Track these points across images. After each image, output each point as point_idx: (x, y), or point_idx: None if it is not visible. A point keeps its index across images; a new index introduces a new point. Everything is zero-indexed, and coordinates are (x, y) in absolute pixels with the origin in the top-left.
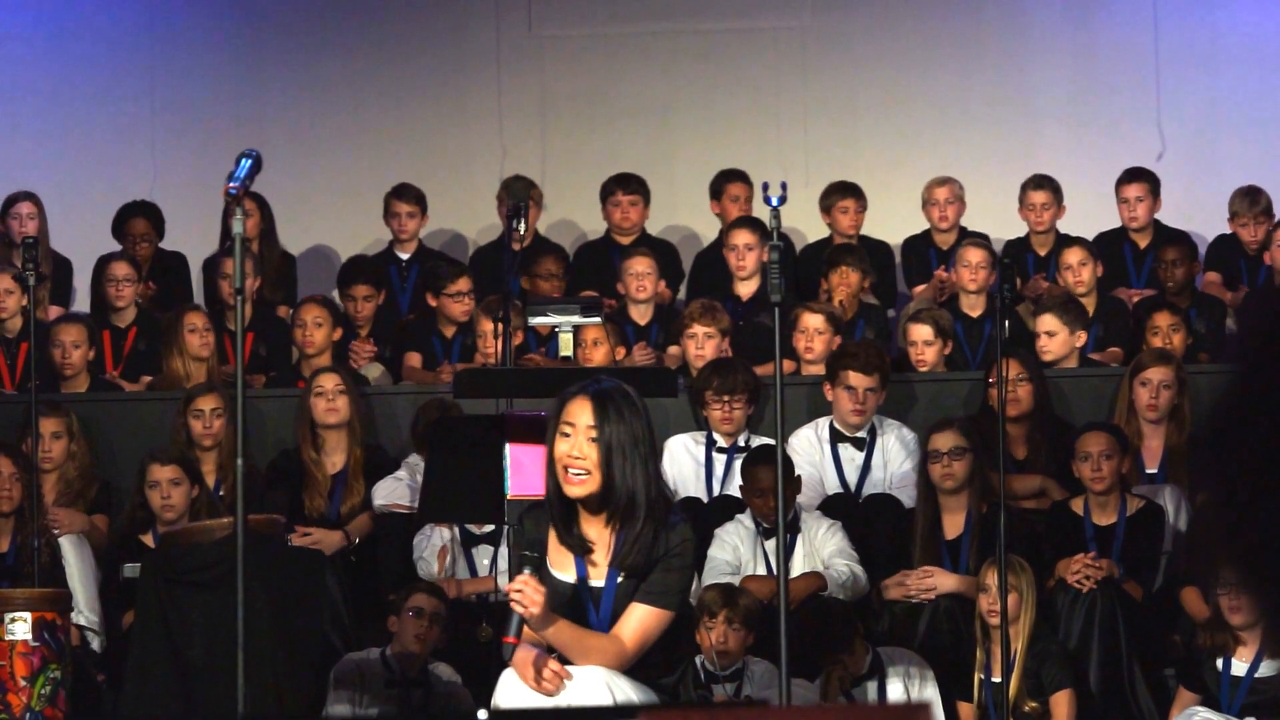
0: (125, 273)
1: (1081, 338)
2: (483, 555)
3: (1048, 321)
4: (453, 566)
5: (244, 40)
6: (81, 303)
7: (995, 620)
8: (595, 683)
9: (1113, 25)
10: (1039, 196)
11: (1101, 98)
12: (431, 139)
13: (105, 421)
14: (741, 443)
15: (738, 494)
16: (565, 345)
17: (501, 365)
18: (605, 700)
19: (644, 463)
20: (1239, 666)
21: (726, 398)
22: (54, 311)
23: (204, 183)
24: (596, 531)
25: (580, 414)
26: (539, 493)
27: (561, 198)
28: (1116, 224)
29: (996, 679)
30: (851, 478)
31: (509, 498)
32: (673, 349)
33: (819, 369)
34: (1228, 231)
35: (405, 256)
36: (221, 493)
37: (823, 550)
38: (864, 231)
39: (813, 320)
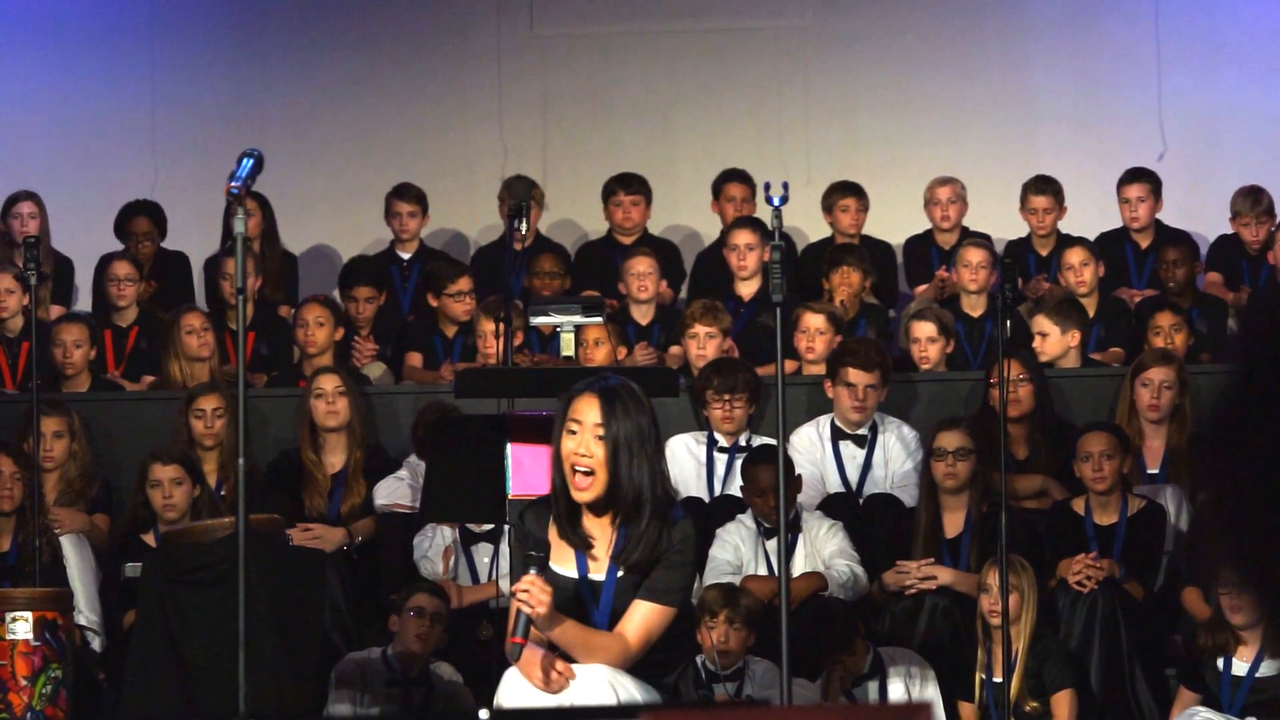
0: (126, 272)
1: (1076, 337)
2: (482, 554)
3: (1041, 322)
4: (455, 568)
5: (245, 40)
6: (83, 302)
7: (996, 620)
8: (599, 681)
9: (1114, 25)
10: (1040, 201)
11: (1103, 97)
12: (432, 139)
13: (106, 421)
14: (743, 442)
15: (739, 494)
16: (567, 345)
17: (502, 365)
18: (609, 698)
19: (649, 460)
20: (1240, 666)
21: (727, 397)
22: (55, 311)
23: (205, 182)
24: (599, 528)
25: (587, 411)
26: (540, 492)
27: (563, 197)
28: (1118, 224)
29: (998, 679)
30: (853, 476)
31: (510, 497)
32: (674, 349)
33: (820, 369)
34: (1229, 231)
35: (406, 256)
36: (223, 492)
37: (823, 550)
38: (865, 231)
39: (814, 320)
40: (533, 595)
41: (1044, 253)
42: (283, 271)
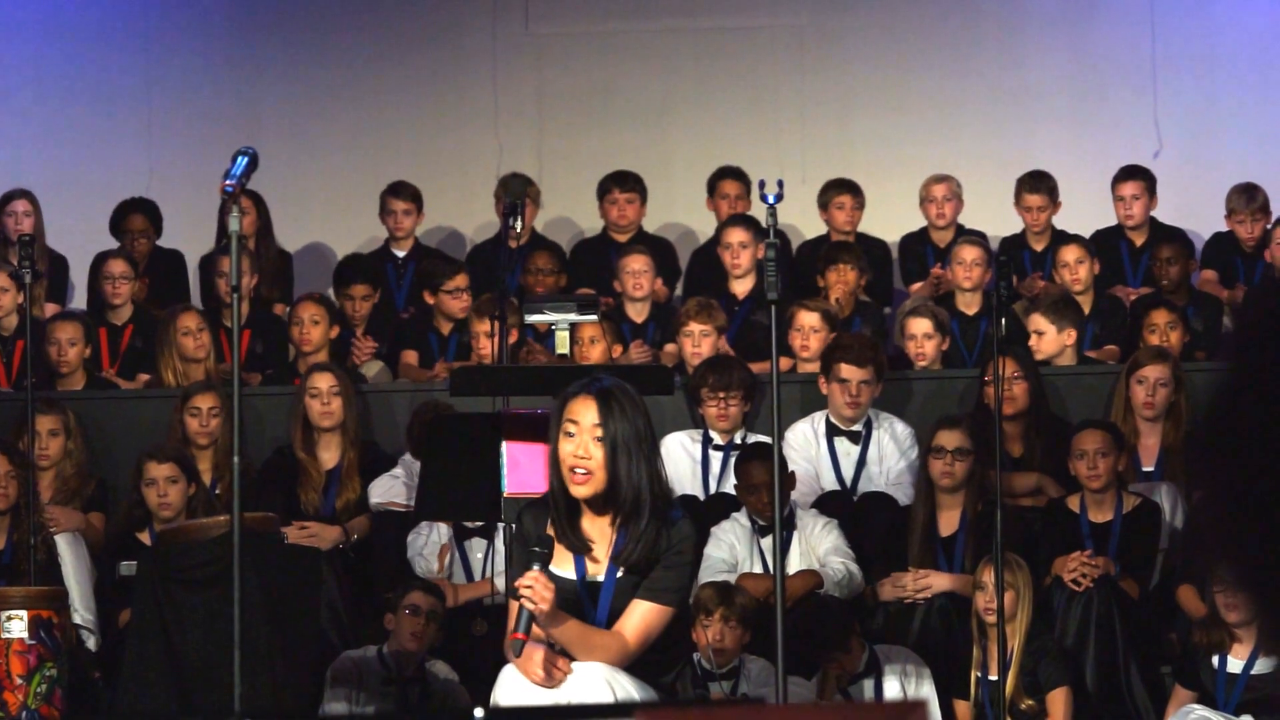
0: (122, 270)
1: (1072, 335)
2: (476, 550)
3: (1037, 321)
4: (450, 565)
5: (240, 37)
6: (78, 300)
7: (992, 618)
8: (596, 679)
9: (1110, 23)
10: (1035, 200)
11: (1098, 95)
12: (428, 137)
13: (102, 419)
14: (738, 440)
15: (734, 492)
16: (562, 343)
17: (498, 363)
18: (606, 697)
19: (647, 460)
20: (1235, 664)
21: (723, 395)
22: (50, 309)
23: (200, 181)
24: (599, 529)
25: (585, 413)
26: (535, 490)
27: (558, 195)
28: (1113, 222)
29: (993, 677)
30: (847, 472)
31: (506, 495)
32: (669, 347)
33: (815, 367)
34: (1224, 229)
35: (401, 254)
36: (218, 490)
37: (818, 548)
38: (861, 229)
39: (808, 319)
40: (536, 592)
41: (1039, 248)
42: (278, 269)
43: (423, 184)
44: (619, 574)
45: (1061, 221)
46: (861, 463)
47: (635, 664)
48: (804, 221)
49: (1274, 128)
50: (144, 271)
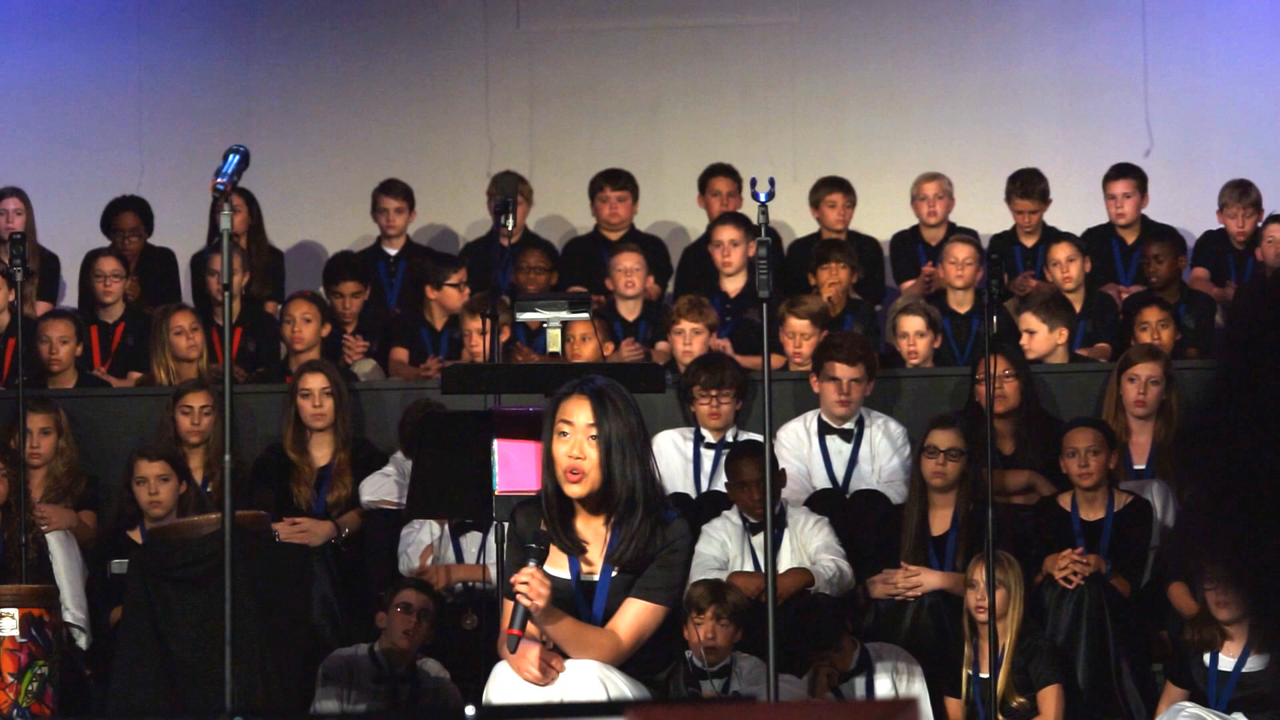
0: (113, 268)
1: (1063, 334)
2: (471, 543)
3: (1028, 320)
4: (441, 553)
5: (232, 35)
6: (69, 298)
7: (983, 616)
8: (589, 677)
9: (1101, 21)
10: (1026, 204)
11: (1090, 93)
12: (419, 135)
13: (93, 417)
14: (730, 438)
15: (725, 490)
16: (553, 341)
17: (489, 361)
18: (599, 694)
19: (640, 459)
20: (1226, 662)
21: (714, 393)
22: (41, 307)
23: (191, 178)
24: (593, 529)
25: (578, 413)
26: (527, 488)
27: (550, 193)
28: (1104, 220)
29: (984, 674)
30: (839, 470)
31: (497, 493)
32: (661, 345)
33: (808, 366)
34: (1215, 227)
35: (393, 252)
36: (209, 488)
37: (809, 545)
38: (852, 227)
39: (798, 325)
40: (531, 588)
41: (1029, 244)
42: (269, 267)
43: (414, 182)
44: (613, 573)
45: (1053, 219)
46: (853, 461)
47: (628, 662)
48: (795, 219)
49: (1264, 126)
50: (135, 270)
